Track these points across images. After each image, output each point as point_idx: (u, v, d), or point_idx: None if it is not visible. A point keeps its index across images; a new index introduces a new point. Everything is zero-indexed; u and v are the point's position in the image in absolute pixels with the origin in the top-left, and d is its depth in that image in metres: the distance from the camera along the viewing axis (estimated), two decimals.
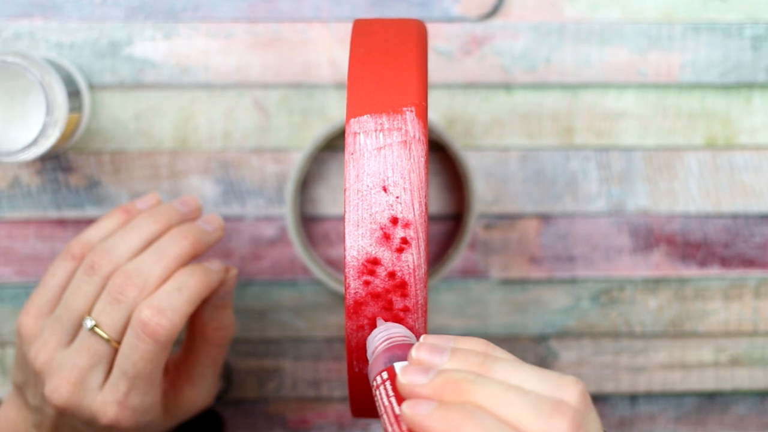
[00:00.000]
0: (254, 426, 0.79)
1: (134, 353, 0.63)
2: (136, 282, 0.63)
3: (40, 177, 0.76)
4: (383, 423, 0.49)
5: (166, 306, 0.62)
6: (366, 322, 0.54)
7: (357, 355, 0.54)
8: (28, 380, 0.67)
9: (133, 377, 0.63)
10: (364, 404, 0.57)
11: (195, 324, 0.69)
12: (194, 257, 0.66)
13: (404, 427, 0.47)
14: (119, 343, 0.63)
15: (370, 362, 0.52)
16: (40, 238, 0.77)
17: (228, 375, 0.78)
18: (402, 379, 0.49)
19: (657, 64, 0.76)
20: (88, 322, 0.63)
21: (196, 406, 0.70)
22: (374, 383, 0.50)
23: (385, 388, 0.50)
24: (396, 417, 0.48)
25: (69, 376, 0.63)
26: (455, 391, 0.48)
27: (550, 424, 0.46)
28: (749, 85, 0.77)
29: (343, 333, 0.78)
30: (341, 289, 0.75)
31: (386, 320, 0.53)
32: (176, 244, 0.65)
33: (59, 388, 0.63)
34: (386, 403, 0.49)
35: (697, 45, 0.76)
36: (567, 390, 0.47)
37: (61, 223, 0.77)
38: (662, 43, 0.76)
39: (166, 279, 0.64)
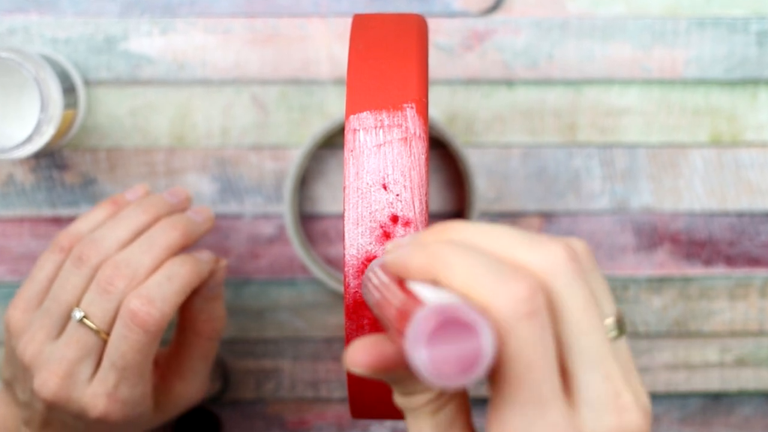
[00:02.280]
0: (252, 427, 0.78)
1: (123, 344, 0.62)
2: (125, 273, 0.63)
3: (35, 174, 0.76)
4: (374, 299, 0.47)
5: (155, 295, 0.62)
6: (366, 322, 0.53)
7: None
8: (17, 375, 0.66)
9: (123, 369, 0.63)
10: (363, 405, 0.57)
11: (185, 317, 0.69)
12: (184, 248, 0.66)
13: (387, 280, 0.46)
14: (108, 334, 0.63)
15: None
16: (35, 236, 0.76)
17: (225, 375, 0.78)
18: (389, 245, 0.47)
19: (661, 59, 0.76)
20: (77, 314, 0.63)
21: (187, 400, 0.70)
22: (364, 283, 0.49)
23: (373, 272, 0.48)
24: (383, 285, 0.47)
25: (57, 369, 0.63)
26: (438, 233, 0.45)
27: (546, 250, 0.42)
28: (755, 81, 0.76)
29: (343, 333, 0.77)
30: (341, 288, 0.75)
31: None
32: (165, 235, 0.65)
33: (47, 382, 0.63)
34: (375, 280, 0.48)
35: (702, 40, 0.76)
36: (570, 239, 0.44)
37: (56, 221, 0.76)
38: (666, 38, 0.76)
39: (155, 269, 0.64)
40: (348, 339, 0.54)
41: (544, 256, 0.42)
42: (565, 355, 0.42)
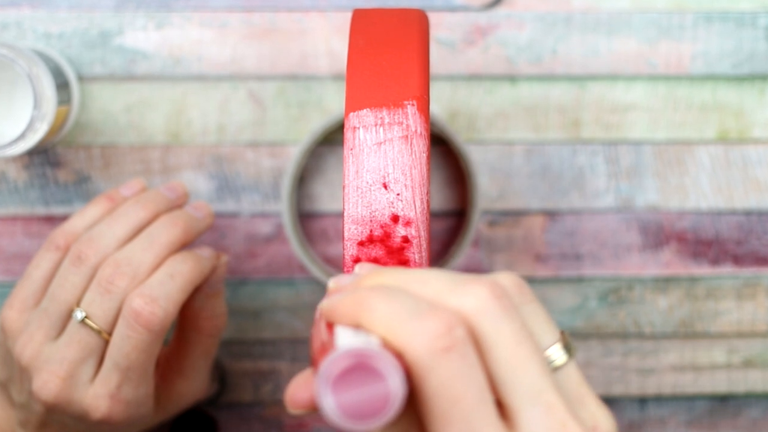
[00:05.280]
0: (249, 430, 0.78)
1: (126, 344, 0.62)
2: (126, 271, 0.62)
3: (28, 172, 0.75)
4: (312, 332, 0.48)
5: (158, 294, 0.62)
6: None
7: None
8: (13, 376, 0.66)
9: (126, 369, 0.62)
10: None
11: (186, 315, 0.68)
12: (185, 245, 0.65)
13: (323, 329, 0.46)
14: (110, 334, 0.63)
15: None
16: (28, 235, 0.75)
17: (222, 377, 0.77)
18: (331, 283, 0.48)
19: (667, 54, 0.75)
20: (78, 314, 0.62)
21: (189, 399, 0.69)
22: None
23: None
24: (317, 320, 0.48)
25: (58, 370, 0.62)
26: (370, 278, 0.46)
27: (469, 293, 0.42)
28: (763, 77, 0.76)
29: None
30: None
31: None
32: (166, 232, 0.64)
33: (48, 383, 0.62)
34: (317, 314, 0.48)
35: (709, 35, 0.75)
36: (499, 276, 0.44)
37: (49, 219, 0.75)
38: (672, 33, 0.75)
39: (157, 267, 0.63)
40: None
41: (468, 299, 0.42)
42: (502, 392, 0.42)
